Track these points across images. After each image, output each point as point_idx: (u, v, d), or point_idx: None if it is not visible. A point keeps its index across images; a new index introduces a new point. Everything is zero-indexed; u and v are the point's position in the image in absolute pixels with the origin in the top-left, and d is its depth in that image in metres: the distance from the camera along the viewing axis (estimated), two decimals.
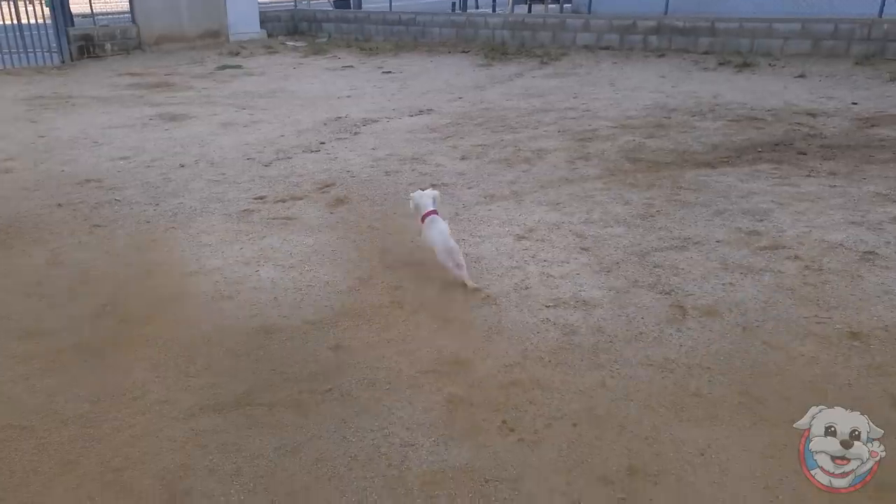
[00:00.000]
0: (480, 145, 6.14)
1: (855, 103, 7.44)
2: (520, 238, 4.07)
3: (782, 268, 3.60)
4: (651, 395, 2.55)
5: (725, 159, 5.62)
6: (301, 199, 4.79)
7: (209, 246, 4.02)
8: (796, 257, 3.70)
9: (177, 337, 3.02)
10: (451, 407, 2.51)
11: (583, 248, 3.90)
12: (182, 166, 5.58)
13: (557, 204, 4.64)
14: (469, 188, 5.00)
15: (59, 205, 4.69)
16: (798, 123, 6.68)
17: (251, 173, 5.37)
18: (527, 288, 3.43)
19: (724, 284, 3.45)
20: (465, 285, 3.37)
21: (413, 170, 5.42)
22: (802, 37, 10.17)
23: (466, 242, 4.01)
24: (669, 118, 7.07)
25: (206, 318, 3.19)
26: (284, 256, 3.84)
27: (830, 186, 4.82)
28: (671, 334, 2.99)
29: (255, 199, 4.79)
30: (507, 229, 4.21)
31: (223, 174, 5.35)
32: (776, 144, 6.02)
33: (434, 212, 3.54)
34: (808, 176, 5.11)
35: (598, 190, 4.91)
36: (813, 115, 7.01)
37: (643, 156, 5.73)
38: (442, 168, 5.48)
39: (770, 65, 9.81)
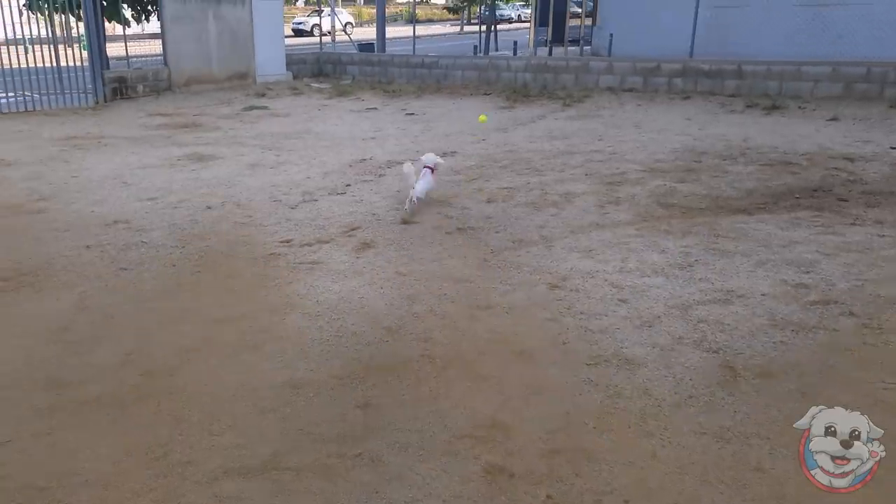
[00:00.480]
0: (506, 188, 6.05)
1: (894, 147, 7.26)
2: (553, 287, 3.93)
3: (837, 325, 3.41)
4: (708, 469, 2.36)
5: (762, 206, 5.46)
6: (327, 242, 4.71)
7: (235, 292, 3.93)
8: (851, 314, 3.49)
9: (201, 390, 2.90)
10: (490, 478, 2.34)
11: (621, 300, 3.74)
12: (209, 208, 5.55)
13: (590, 251, 4.49)
14: (496, 232, 4.89)
15: (88, 246, 4.66)
16: (835, 168, 6.51)
17: (278, 216, 5.32)
18: (564, 343, 3.27)
19: (775, 343, 3.26)
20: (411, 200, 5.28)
21: (439, 213, 5.33)
22: (833, 80, 10.06)
23: (496, 290, 3.88)
24: (699, 162, 6.94)
25: (232, 369, 3.06)
26: (311, 304, 3.73)
27: (879, 236, 4.62)
28: (723, 398, 2.81)
29: (282, 242, 4.72)
30: (538, 277, 4.07)
31: (250, 216, 5.30)
32: (814, 190, 5.85)
33: (431, 168, 5.58)
34: (853, 224, 4.92)
35: (632, 236, 4.77)
36: (850, 159, 6.84)
37: (675, 201, 5.59)
38: (468, 211, 5.38)
39: (800, 108, 9.69)
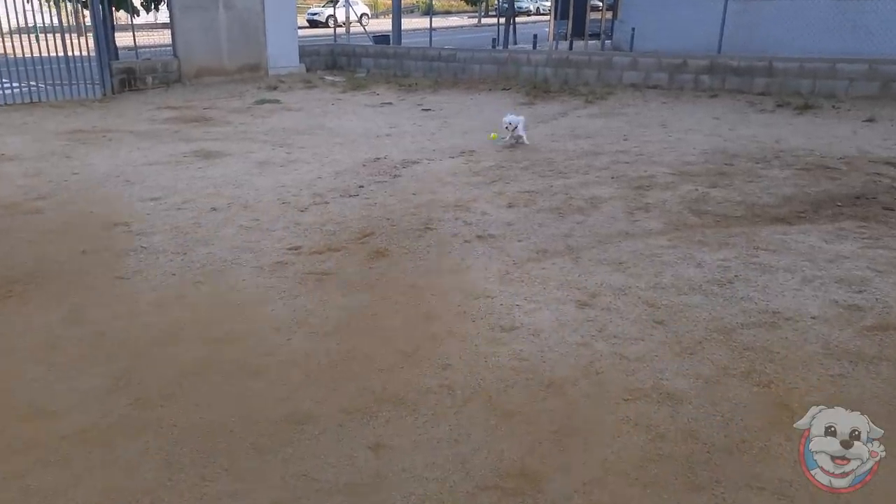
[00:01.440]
0: (528, 192, 5.72)
1: None
2: (582, 305, 3.60)
3: None
4: None
5: (802, 214, 5.09)
6: (338, 250, 4.41)
7: (238, 305, 3.64)
8: None
9: (196, 424, 2.61)
10: None
11: (657, 322, 3.42)
12: (214, 209, 5.27)
13: (620, 264, 4.16)
14: (519, 241, 4.57)
15: (84, 251, 4.39)
16: (877, 174, 6.11)
17: (286, 219, 5.02)
18: (598, 373, 2.95)
19: (832, 376, 2.92)
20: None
21: (457, 218, 5.01)
22: (869, 78, 9.58)
23: (521, 308, 3.56)
24: (731, 165, 6.56)
25: (230, 399, 2.78)
26: (320, 321, 3.44)
27: None
28: (780, 444, 2.48)
29: (290, 249, 4.43)
30: (566, 294, 3.75)
31: (257, 220, 5.01)
32: (857, 198, 5.46)
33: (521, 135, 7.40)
34: None
35: (664, 248, 4.43)
36: (893, 164, 6.42)
37: (709, 208, 5.24)
38: (488, 217, 5.06)
39: (834, 107, 9.24)
